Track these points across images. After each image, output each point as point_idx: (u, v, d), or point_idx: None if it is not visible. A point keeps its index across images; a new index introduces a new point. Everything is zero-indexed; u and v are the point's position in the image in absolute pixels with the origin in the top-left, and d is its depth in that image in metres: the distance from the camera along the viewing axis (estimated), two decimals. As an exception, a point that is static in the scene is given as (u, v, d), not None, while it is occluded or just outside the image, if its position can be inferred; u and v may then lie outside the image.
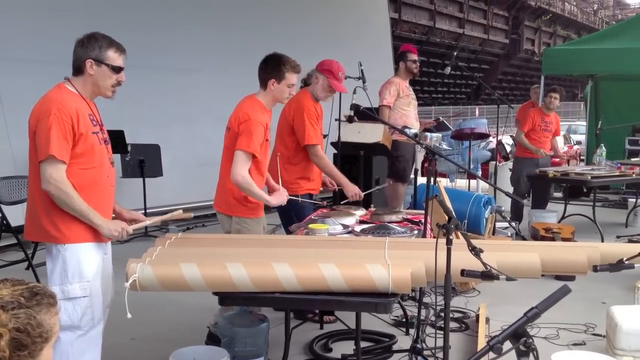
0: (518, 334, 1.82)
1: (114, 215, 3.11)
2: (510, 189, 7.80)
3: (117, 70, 2.91)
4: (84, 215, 2.79)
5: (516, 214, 7.72)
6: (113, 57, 2.89)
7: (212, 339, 3.90)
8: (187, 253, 2.99)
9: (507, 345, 1.89)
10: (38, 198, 2.82)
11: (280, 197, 3.85)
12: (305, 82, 4.68)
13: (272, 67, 3.75)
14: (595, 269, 2.75)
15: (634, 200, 8.60)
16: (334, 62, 4.54)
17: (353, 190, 4.49)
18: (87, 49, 2.86)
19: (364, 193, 4.60)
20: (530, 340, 1.83)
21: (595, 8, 69.30)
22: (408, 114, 6.60)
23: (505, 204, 7.78)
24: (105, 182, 2.96)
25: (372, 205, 5.69)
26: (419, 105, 7.14)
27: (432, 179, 4.00)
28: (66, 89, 2.87)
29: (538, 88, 9.24)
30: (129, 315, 2.62)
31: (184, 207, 8.61)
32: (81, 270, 2.84)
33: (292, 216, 4.19)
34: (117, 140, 6.81)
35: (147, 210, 7.34)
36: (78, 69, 2.89)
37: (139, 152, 7.27)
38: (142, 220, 3.19)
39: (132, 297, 2.68)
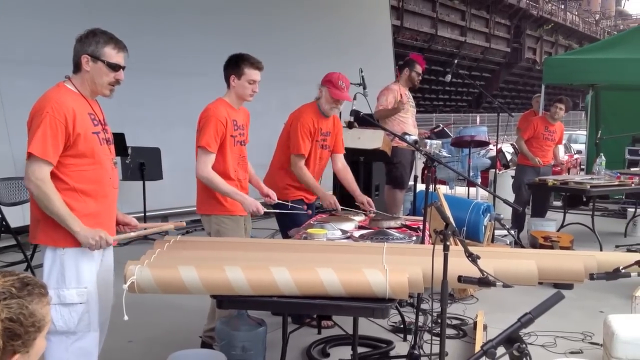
0: (512, 339, 1.83)
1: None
2: (511, 197, 7.80)
3: (114, 67, 2.81)
4: (61, 219, 2.69)
5: (517, 222, 7.70)
6: (110, 53, 2.80)
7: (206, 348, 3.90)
8: (185, 256, 3.00)
9: (502, 350, 1.90)
10: None
11: (255, 204, 3.78)
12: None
13: (232, 64, 3.83)
14: (591, 277, 2.76)
15: (633, 209, 8.60)
16: (336, 73, 4.56)
17: (328, 200, 4.48)
18: (84, 44, 2.79)
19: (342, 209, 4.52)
20: (524, 345, 1.84)
21: (597, 18, 69.42)
22: (406, 121, 6.61)
23: (506, 212, 7.78)
24: (107, 184, 2.89)
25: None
26: (419, 112, 7.17)
27: (431, 186, 4.02)
28: (65, 88, 2.81)
29: (539, 97, 9.25)
30: (125, 318, 2.62)
31: (184, 210, 8.66)
32: (79, 275, 2.78)
33: (286, 221, 4.19)
34: (117, 143, 6.79)
35: (147, 214, 7.36)
36: (76, 66, 2.82)
37: (139, 155, 7.28)
38: (134, 225, 3.12)
39: (131, 300, 2.68)
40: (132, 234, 3.13)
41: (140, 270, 2.68)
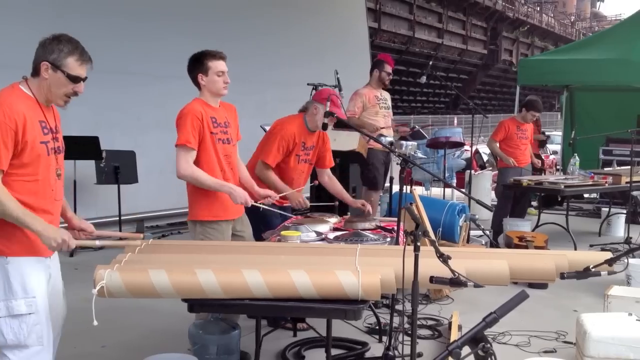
0: (477, 339, 1.83)
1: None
2: (486, 197, 7.84)
3: (74, 79, 2.67)
4: (20, 221, 2.56)
5: (498, 224, 7.59)
6: (72, 65, 2.66)
7: None
8: (156, 260, 2.97)
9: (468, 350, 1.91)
10: None
11: (244, 196, 3.70)
12: (305, 109, 4.69)
13: (194, 63, 3.76)
14: (562, 276, 2.78)
15: (607, 209, 8.70)
16: (331, 90, 4.64)
17: (296, 199, 4.45)
18: (46, 50, 2.64)
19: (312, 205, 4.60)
20: (489, 345, 1.84)
21: (572, 20, 70.28)
22: (376, 123, 6.59)
23: (481, 213, 7.81)
24: (49, 196, 2.72)
25: (348, 213, 5.71)
26: (397, 114, 7.18)
27: (404, 187, 4.03)
28: (20, 91, 2.66)
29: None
30: (95, 323, 2.58)
31: (160, 214, 8.58)
32: (25, 285, 2.63)
33: (258, 224, 4.17)
34: (91, 146, 6.75)
35: (122, 217, 7.29)
36: (35, 70, 2.67)
37: (113, 158, 7.20)
38: (91, 231, 3.01)
39: (105, 303, 2.66)
40: (97, 243, 3.02)
41: (109, 275, 2.65)
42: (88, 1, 7.63)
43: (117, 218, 7.22)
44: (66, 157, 2.90)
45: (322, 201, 5.11)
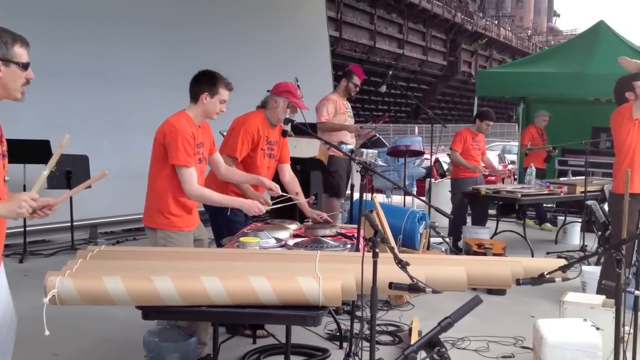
0: (432, 344, 1.83)
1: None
2: (446, 205, 7.89)
3: (26, 67, 2.52)
4: None
5: (455, 230, 7.70)
6: (20, 52, 2.49)
7: None
8: (110, 266, 2.89)
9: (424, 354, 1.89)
10: None
11: (255, 206, 3.80)
12: (265, 104, 4.65)
13: (207, 81, 3.75)
14: (518, 282, 2.81)
15: (563, 218, 8.86)
16: (290, 83, 4.59)
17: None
18: None
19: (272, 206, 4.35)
20: (444, 349, 1.84)
21: (529, 34, 71.83)
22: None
23: (441, 220, 7.86)
24: None
25: (308, 220, 5.68)
26: (359, 122, 7.21)
27: (365, 195, 4.03)
28: None
29: (545, 116, 9.52)
30: (47, 332, 2.48)
31: (114, 220, 8.38)
32: None
33: (222, 229, 4.12)
34: (42, 150, 6.53)
35: (74, 223, 7.13)
36: None
37: (65, 162, 6.97)
38: (53, 203, 2.56)
39: (57, 310, 2.57)
40: (64, 195, 2.72)
41: (61, 282, 2.56)
42: (40, 4, 7.47)
43: (70, 224, 7.06)
44: (16, 161, 2.78)
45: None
